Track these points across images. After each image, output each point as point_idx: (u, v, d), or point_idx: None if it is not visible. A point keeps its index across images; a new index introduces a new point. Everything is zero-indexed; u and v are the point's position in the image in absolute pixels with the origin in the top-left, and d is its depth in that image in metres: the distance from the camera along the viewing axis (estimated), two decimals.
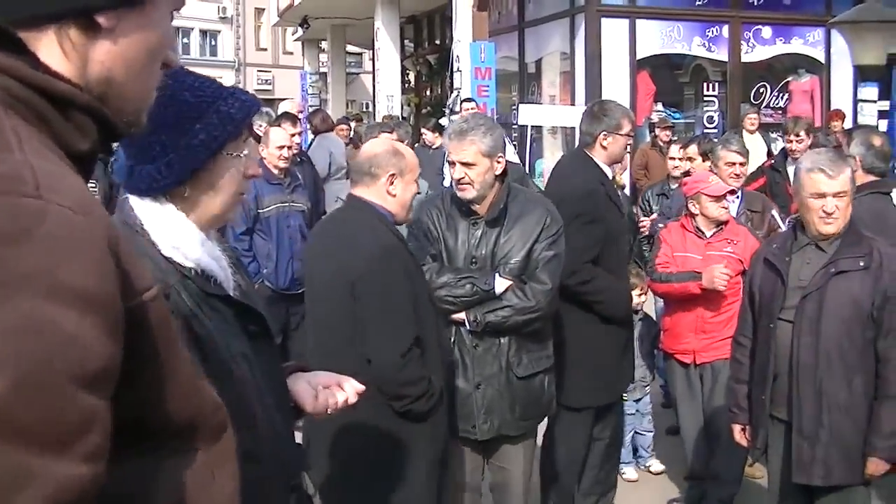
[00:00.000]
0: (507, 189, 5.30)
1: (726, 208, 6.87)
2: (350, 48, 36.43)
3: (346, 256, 4.56)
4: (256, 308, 2.82)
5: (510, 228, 5.24)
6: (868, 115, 11.59)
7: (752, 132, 14.51)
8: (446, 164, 5.78)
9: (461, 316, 5.19)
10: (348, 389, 3.06)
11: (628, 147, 6.62)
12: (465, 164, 5.15)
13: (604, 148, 6.24)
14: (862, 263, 4.90)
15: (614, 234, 6.15)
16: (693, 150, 9.10)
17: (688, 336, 6.77)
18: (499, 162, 5.22)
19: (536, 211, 5.30)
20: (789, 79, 18.65)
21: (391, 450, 4.58)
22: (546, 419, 5.92)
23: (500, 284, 5.17)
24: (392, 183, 4.65)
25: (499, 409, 5.28)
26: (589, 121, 6.33)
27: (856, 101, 12.54)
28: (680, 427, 7.05)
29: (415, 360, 4.53)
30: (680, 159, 9.35)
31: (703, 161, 8.84)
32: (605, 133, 6.22)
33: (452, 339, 5.23)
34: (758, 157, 13.15)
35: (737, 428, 5.40)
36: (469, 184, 5.17)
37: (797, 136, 10.21)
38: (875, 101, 11.64)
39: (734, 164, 7.46)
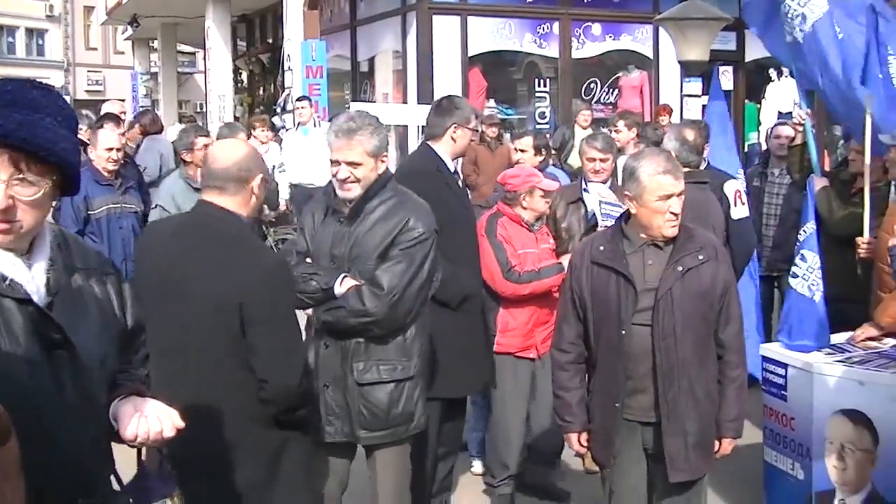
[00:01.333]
0: (381, 188, 5.20)
1: (549, 202, 7.01)
2: (183, 47, 35.91)
3: (230, 275, 4.27)
4: (53, 317, 2.75)
5: (369, 229, 5.13)
6: (693, 109, 11.82)
7: (584, 128, 14.74)
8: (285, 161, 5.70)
9: (309, 311, 5.15)
10: (166, 422, 2.95)
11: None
12: (350, 164, 5.05)
13: (453, 140, 6.36)
14: (701, 257, 4.95)
15: (452, 221, 6.03)
16: (527, 142, 9.07)
17: (533, 332, 6.87)
18: (383, 161, 5.18)
19: (399, 214, 5.17)
20: (619, 75, 18.94)
21: (269, 456, 4.47)
22: None
23: (344, 285, 5.07)
24: (259, 186, 4.51)
25: (341, 412, 5.18)
26: (438, 114, 6.44)
27: (682, 96, 12.77)
28: (500, 421, 7.01)
29: (306, 374, 4.48)
30: (522, 151, 9.21)
31: (536, 155, 8.84)
32: (455, 125, 6.34)
33: (305, 337, 5.09)
34: None
35: (573, 437, 5.31)
36: (355, 182, 5.09)
37: (615, 127, 10.38)
38: (699, 96, 11.87)
39: (595, 160, 7.49)
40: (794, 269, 6.73)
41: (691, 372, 4.96)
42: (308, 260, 5.25)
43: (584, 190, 7.58)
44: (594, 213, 7.39)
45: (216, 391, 4.28)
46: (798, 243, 6.78)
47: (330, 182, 5.32)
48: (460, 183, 6.70)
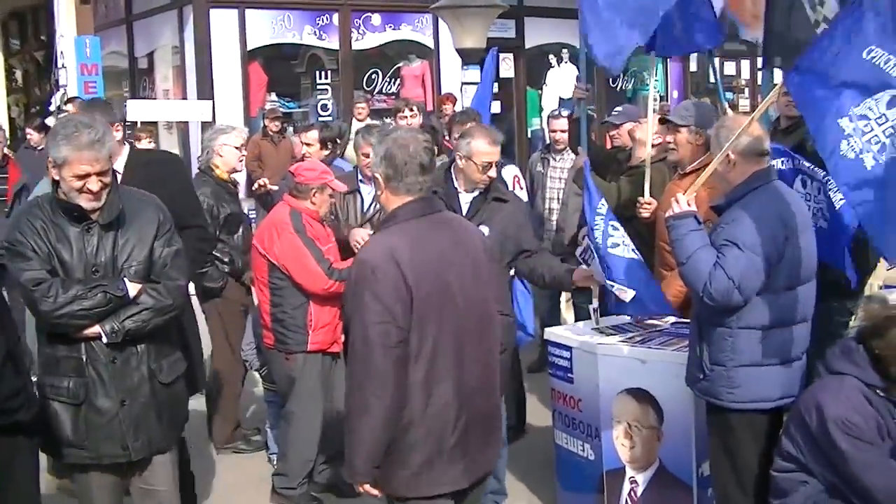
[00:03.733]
0: (118, 188, 5.01)
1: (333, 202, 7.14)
2: None
3: None
4: None
5: (126, 230, 4.94)
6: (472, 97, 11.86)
7: (361, 120, 14.74)
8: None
9: (96, 329, 4.83)
10: None
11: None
12: (100, 174, 4.77)
13: None
14: None
15: None
16: (312, 136, 8.95)
17: (337, 327, 6.87)
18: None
19: (148, 209, 5.08)
20: (400, 64, 18.92)
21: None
22: None
23: (132, 288, 4.88)
24: None
25: (146, 423, 5.00)
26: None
27: (462, 84, 12.83)
28: (301, 419, 6.93)
29: (10, 371, 4.30)
30: (308, 144, 9.06)
31: (322, 149, 8.73)
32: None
33: (84, 358, 4.86)
34: None
35: None
36: (104, 188, 4.82)
37: (411, 110, 10.36)
38: (478, 83, 11.92)
39: (369, 155, 7.48)
40: (610, 240, 6.58)
41: None
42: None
43: (360, 181, 7.64)
44: (371, 205, 7.47)
45: None
46: (603, 216, 6.62)
47: (47, 194, 5.03)
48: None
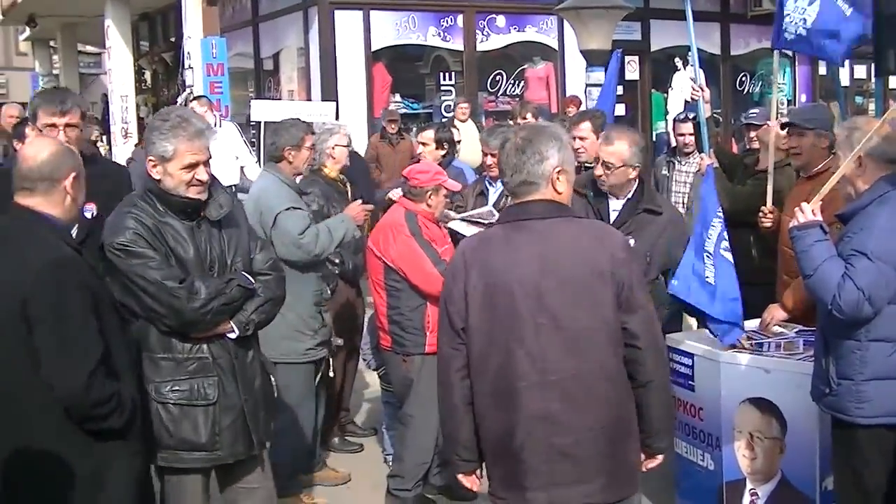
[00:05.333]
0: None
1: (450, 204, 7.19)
2: (88, 48, 35.18)
3: (10, 274, 4.06)
4: None
5: (227, 226, 4.96)
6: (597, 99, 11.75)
7: (463, 121, 14.89)
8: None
9: (229, 324, 4.84)
10: None
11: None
12: (206, 163, 4.83)
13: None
14: None
15: None
16: (428, 135, 8.93)
17: None
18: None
19: (237, 206, 5.16)
20: (524, 66, 18.86)
21: (88, 474, 4.21)
22: None
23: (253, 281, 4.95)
24: (73, 185, 4.31)
25: (258, 417, 5.01)
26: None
27: (586, 86, 12.71)
28: (421, 422, 6.88)
29: (101, 377, 4.14)
30: (424, 144, 9.07)
31: (437, 149, 8.71)
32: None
33: (209, 357, 4.82)
34: (471, 143, 13.32)
35: None
36: (209, 179, 4.84)
37: (524, 118, 10.35)
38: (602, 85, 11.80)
39: (487, 154, 7.73)
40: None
41: None
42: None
43: (488, 182, 7.75)
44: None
45: (18, 406, 4.12)
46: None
47: (142, 193, 4.93)
48: None
